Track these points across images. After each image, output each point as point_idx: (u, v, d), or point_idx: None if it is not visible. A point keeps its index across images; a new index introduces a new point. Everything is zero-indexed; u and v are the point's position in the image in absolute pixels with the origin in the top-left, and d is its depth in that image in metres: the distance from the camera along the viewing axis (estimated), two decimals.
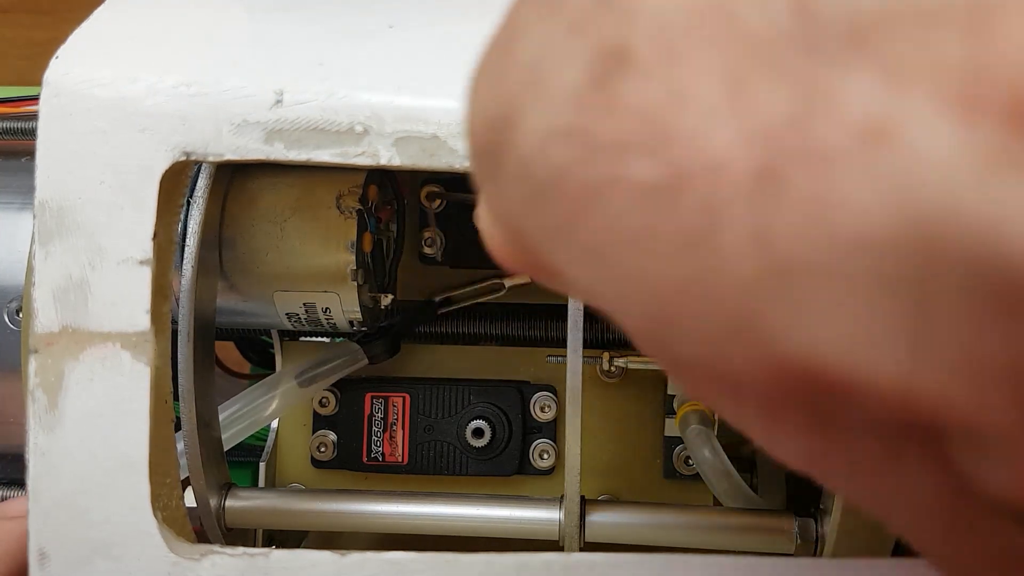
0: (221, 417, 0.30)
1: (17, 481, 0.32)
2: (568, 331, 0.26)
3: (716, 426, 0.31)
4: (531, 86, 0.11)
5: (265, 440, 0.35)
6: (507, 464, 0.33)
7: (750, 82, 0.09)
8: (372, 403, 0.34)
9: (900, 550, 0.27)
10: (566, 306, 0.26)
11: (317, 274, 0.29)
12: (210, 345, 0.28)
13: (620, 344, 0.33)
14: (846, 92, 0.09)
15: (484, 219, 0.13)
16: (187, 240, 0.26)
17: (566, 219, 0.11)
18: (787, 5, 0.09)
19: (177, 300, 0.26)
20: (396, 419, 0.34)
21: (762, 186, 0.09)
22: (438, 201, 0.33)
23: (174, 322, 0.25)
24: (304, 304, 0.29)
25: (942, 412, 0.09)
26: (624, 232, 0.10)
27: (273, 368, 0.35)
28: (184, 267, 0.26)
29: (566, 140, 0.10)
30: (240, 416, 0.30)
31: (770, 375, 0.10)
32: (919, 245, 0.08)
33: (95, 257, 0.23)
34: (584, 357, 0.26)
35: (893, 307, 0.09)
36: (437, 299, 0.33)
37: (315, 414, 0.34)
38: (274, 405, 0.31)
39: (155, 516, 0.23)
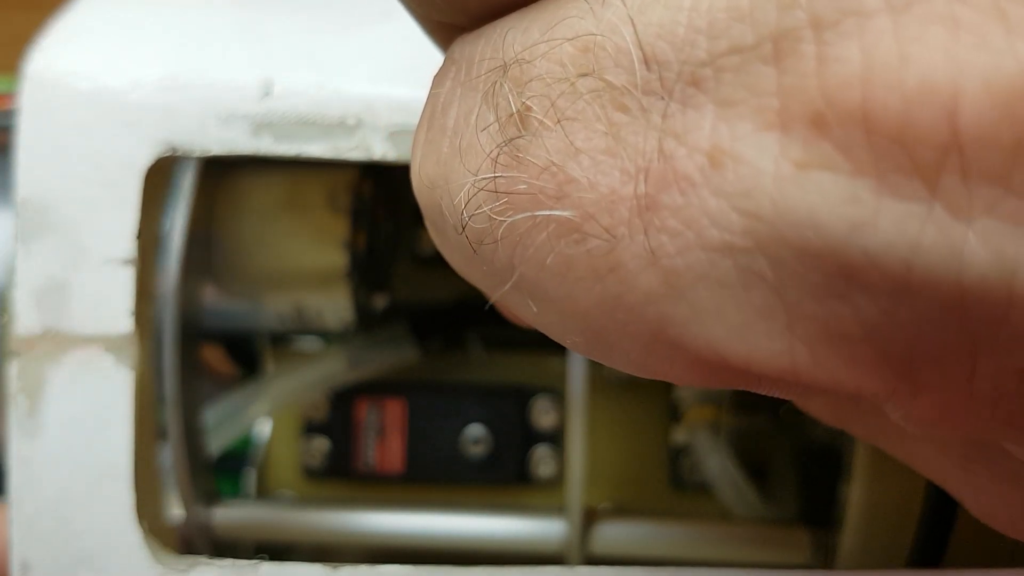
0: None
1: None
2: None
3: (724, 433, 0.30)
4: (456, 149, 0.13)
5: (255, 447, 0.34)
6: (507, 471, 0.33)
7: (623, 127, 0.11)
8: (366, 409, 0.33)
9: (915, 561, 0.26)
10: None
11: (309, 274, 0.28)
12: (197, 348, 0.27)
13: None
14: (693, 126, 0.11)
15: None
16: (174, 239, 0.25)
17: (503, 265, 0.12)
18: (639, 60, 0.11)
19: (162, 302, 0.25)
20: (391, 425, 0.33)
21: (645, 214, 0.11)
22: None
23: (159, 324, 0.24)
24: (296, 305, 0.29)
25: (829, 383, 0.11)
26: (551, 269, 0.12)
27: (263, 371, 0.34)
28: (169, 267, 0.25)
29: (489, 195, 0.12)
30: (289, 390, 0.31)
31: (691, 368, 0.12)
32: (765, 242, 0.10)
33: (77, 257, 0.22)
34: (586, 359, 0.25)
35: (762, 299, 0.11)
36: None
37: (306, 420, 0.33)
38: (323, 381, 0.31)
39: (140, 526, 0.22)
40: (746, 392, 0.34)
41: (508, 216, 0.12)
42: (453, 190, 0.13)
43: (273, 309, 0.29)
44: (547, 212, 0.11)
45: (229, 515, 0.28)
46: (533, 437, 0.33)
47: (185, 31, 0.23)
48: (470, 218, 0.12)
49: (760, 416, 0.32)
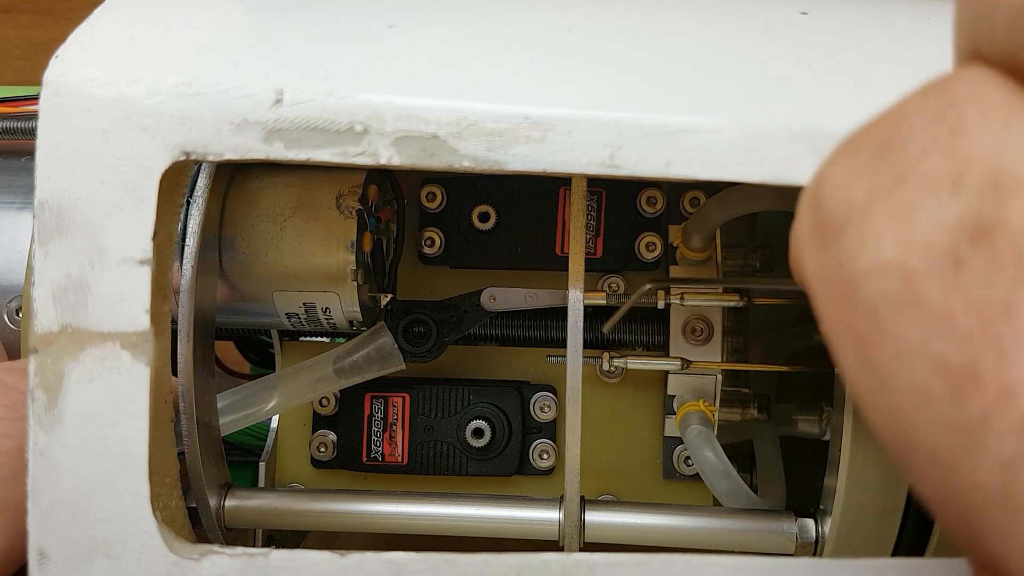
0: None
1: None
2: (568, 331, 0.26)
3: (716, 426, 0.31)
4: (892, 201, 0.11)
5: (264, 440, 0.35)
6: (507, 464, 0.33)
7: None
8: (372, 403, 0.34)
9: (900, 550, 0.27)
10: (565, 307, 0.26)
11: (317, 274, 0.29)
12: (210, 345, 0.28)
13: (619, 344, 0.33)
14: None
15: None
16: (187, 240, 0.26)
17: (865, 331, 0.11)
18: None
19: (177, 300, 0.26)
20: (396, 419, 0.34)
21: None
22: (438, 201, 0.33)
23: (174, 322, 0.25)
24: (304, 304, 0.29)
25: None
26: (904, 381, 0.10)
27: (273, 368, 0.35)
28: (184, 267, 0.26)
29: (900, 277, 0.10)
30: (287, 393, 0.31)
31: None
32: None
33: (95, 257, 0.23)
34: (584, 357, 0.26)
35: None
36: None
37: (315, 414, 0.34)
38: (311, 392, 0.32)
39: (155, 516, 0.23)
40: (736, 388, 0.34)
41: (905, 315, 0.10)
42: (858, 233, 0.11)
43: (283, 308, 0.30)
44: (939, 347, 0.10)
45: (241, 505, 0.28)
46: (532, 430, 0.34)
47: (200, 41, 0.24)
48: (861, 280, 0.10)
49: (750, 410, 0.33)
